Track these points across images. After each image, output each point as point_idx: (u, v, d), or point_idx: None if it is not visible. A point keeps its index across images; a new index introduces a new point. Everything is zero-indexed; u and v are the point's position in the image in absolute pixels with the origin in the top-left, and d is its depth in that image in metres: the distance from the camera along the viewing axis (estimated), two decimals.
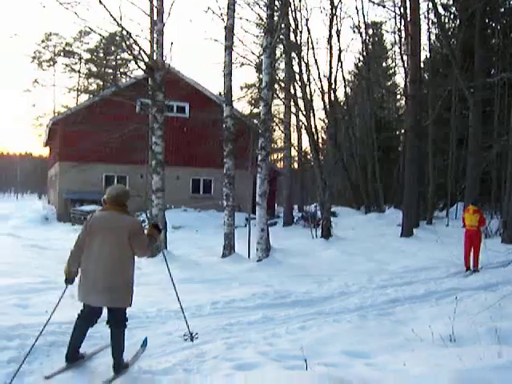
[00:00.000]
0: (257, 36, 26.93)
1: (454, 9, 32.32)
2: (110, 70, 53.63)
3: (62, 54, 50.10)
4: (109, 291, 5.68)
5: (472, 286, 12.23)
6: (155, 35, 15.41)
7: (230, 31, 16.51)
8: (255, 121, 24.28)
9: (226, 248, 15.36)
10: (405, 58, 32.63)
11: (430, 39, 33.05)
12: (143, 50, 15.29)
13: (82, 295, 5.87)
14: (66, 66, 50.28)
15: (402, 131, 36.96)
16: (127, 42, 16.49)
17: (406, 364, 5.87)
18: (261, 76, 17.17)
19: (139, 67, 15.74)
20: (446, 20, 33.15)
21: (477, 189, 25.05)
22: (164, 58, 15.31)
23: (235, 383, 5.51)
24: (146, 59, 15.25)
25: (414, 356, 6.41)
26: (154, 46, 15.57)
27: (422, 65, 29.45)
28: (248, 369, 6.15)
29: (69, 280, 6.02)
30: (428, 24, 31.96)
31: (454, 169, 30.21)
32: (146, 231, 6.11)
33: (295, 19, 24.83)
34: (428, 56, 33.77)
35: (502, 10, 31.17)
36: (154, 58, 15.30)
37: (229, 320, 8.64)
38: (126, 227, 5.73)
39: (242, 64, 22.44)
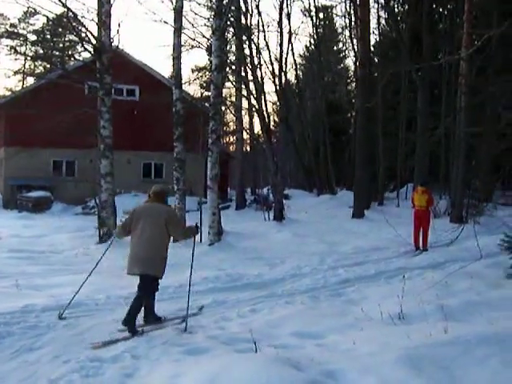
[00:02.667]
0: (208, 19, 26.63)
1: None
2: (58, 53, 52.34)
3: (5, 35, 48.54)
4: (144, 261, 7.11)
5: (421, 264, 12.43)
6: (102, 17, 15.08)
7: (178, 13, 16.30)
8: (206, 104, 24.07)
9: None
10: (355, 41, 32.81)
11: (379, 23, 33.31)
12: (90, 32, 14.99)
13: (128, 268, 7.28)
14: (11, 48, 48.78)
15: (353, 114, 37.20)
16: (73, 24, 16.12)
17: (355, 343, 5.91)
18: (211, 59, 16.97)
19: (86, 50, 15.43)
20: (395, 4, 33.44)
21: (426, 170, 25.45)
22: (111, 40, 15.01)
23: (184, 368, 5.45)
24: (94, 41, 14.93)
25: (364, 335, 6.48)
26: (102, 27, 15.23)
27: (371, 48, 29.63)
28: (198, 353, 6.12)
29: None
30: (377, 8, 32.17)
31: (404, 150, 30.59)
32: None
33: (245, 2, 24.74)
34: (378, 39, 34.04)
35: None
36: (102, 40, 14.97)
37: (180, 305, 8.54)
38: (163, 214, 7.25)
39: (193, 47, 22.27)
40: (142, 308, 7.34)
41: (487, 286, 9.43)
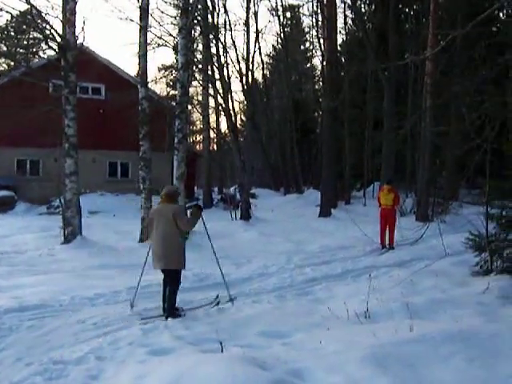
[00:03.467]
0: (174, 17, 26.45)
1: None
2: (22, 50, 51.47)
3: None
4: (162, 257, 7.99)
5: (387, 263, 12.53)
6: (67, 14, 14.84)
7: (144, 11, 16.16)
8: (173, 103, 23.94)
9: (144, 232, 15.09)
10: (322, 40, 32.92)
11: (346, 22, 33.53)
12: (54, 30, 14.75)
13: (153, 264, 8.22)
14: None
15: (320, 113, 37.33)
16: (38, 21, 15.86)
17: (321, 342, 5.91)
18: (178, 57, 16.86)
19: (50, 47, 15.18)
20: (362, 4, 33.65)
21: (392, 169, 25.64)
22: (76, 38, 14.79)
23: (149, 369, 5.39)
24: (58, 39, 14.70)
25: (330, 334, 6.49)
26: (66, 25, 15.00)
27: (338, 47, 29.78)
28: (163, 354, 6.10)
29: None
30: (344, 7, 32.35)
31: (371, 149, 30.79)
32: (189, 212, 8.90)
33: (212, 0, 24.60)
34: (344, 39, 34.21)
35: None
36: (67, 37, 14.75)
37: (145, 305, 8.53)
38: (171, 211, 7.99)
39: (159, 45, 22.06)
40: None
41: (452, 284, 9.54)
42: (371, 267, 11.86)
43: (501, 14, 25.86)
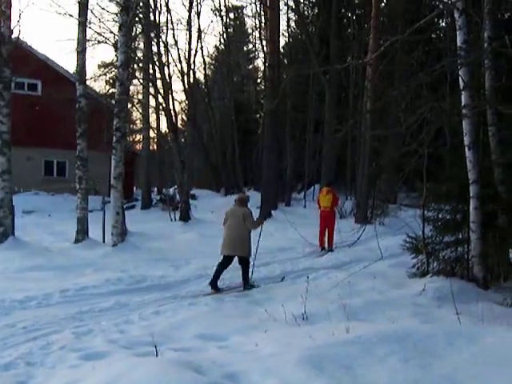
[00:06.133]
0: (116, 14, 26.02)
1: None
2: None
3: None
4: (232, 246, 10.25)
5: (326, 265, 12.61)
6: (2, 7, 14.38)
7: (84, 6, 15.81)
8: (112, 101, 23.53)
9: (80, 233, 14.76)
10: (264, 42, 32.96)
11: (289, 25, 33.64)
12: None
13: (222, 250, 10.39)
14: None
15: (262, 114, 37.39)
16: None
17: (258, 344, 5.86)
18: (118, 55, 16.56)
19: None
20: (305, 7, 33.87)
21: (332, 171, 25.88)
22: (12, 32, 14.35)
23: (80, 375, 5.21)
24: None
25: (267, 336, 6.44)
26: (1, 18, 14.52)
27: (280, 50, 29.88)
28: (96, 358, 5.93)
29: None
30: (287, 10, 32.49)
31: (312, 151, 31.00)
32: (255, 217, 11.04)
33: None
34: (287, 41, 34.36)
35: (357, 1, 32.36)
36: (1, 31, 14.28)
37: (79, 308, 8.34)
38: (241, 214, 10.27)
39: (99, 42, 21.65)
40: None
41: (389, 286, 9.65)
42: (310, 269, 11.93)
43: (443, 23, 26.39)
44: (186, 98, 27.70)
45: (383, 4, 25.33)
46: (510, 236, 9.91)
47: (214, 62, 45.93)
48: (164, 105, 23.07)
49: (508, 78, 10.56)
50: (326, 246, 15.09)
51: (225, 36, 36.63)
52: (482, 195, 9.53)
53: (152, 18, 23.91)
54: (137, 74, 27.85)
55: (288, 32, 33.60)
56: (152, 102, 28.13)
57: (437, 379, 4.68)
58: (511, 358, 4.92)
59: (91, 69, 59.78)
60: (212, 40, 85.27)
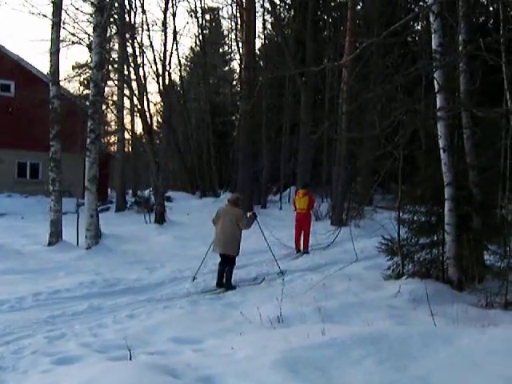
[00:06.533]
0: (90, 14, 25.81)
1: None
2: None
3: None
4: (224, 245, 10.67)
5: (301, 267, 12.60)
6: None
7: (57, 7, 15.64)
8: (87, 102, 23.33)
9: (53, 235, 14.58)
10: (240, 44, 32.93)
11: (265, 27, 33.61)
12: None
13: (214, 248, 10.93)
14: None
15: (238, 116, 37.33)
16: None
17: (233, 347, 5.82)
18: (92, 56, 16.41)
19: None
20: (281, 9, 33.89)
21: (308, 173, 25.90)
22: None
23: (53, 379, 5.13)
24: None
25: (242, 339, 6.42)
26: None
27: (256, 52, 29.88)
28: (69, 363, 5.87)
29: None
30: (263, 12, 32.45)
31: (288, 153, 31.00)
32: (248, 215, 11.48)
33: None
34: (263, 43, 34.35)
35: (333, 4, 32.45)
36: None
37: (52, 312, 8.22)
38: (234, 214, 10.76)
39: (73, 42, 21.42)
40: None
41: (365, 288, 9.67)
42: (288, 271, 11.89)
43: (418, 26, 26.56)
44: (162, 100, 27.51)
45: (359, 7, 25.43)
46: (484, 238, 9.98)
47: (189, 63, 45.80)
48: (139, 106, 22.92)
49: (483, 81, 10.63)
50: (302, 248, 15.08)
51: (200, 37, 36.51)
52: (457, 197, 9.59)
53: (127, 18, 23.77)
54: (111, 75, 27.71)
55: (264, 34, 33.59)
56: (127, 103, 28.00)
57: (412, 381, 4.68)
58: (485, 359, 4.94)
59: (65, 70, 59.24)
60: (188, 41, 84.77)
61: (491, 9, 21.79)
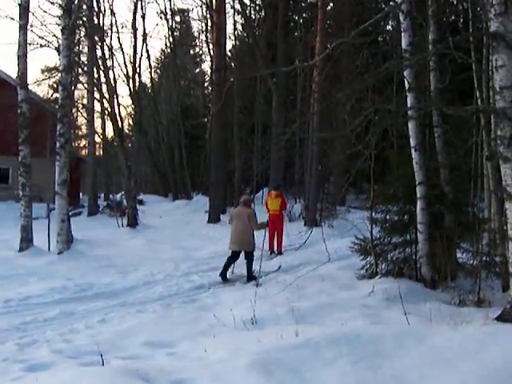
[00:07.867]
0: (58, 17, 25.55)
1: (259, 0, 33.05)
2: None
3: None
4: (239, 243, 11.64)
5: (275, 268, 12.55)
6: None
7: (24, 9, 15.43)
8: (56, 106, 23.10)
9: (24, 241, 14.37)
10: (211, 46, 32.86)
11: (235, 28, 33.62)
12: None
13: (230, 246, 11.79)
14: None
15: (209, 118, 37.25)
16: None
17: (207, 350, 5.81)
18: (61, 59, 16.23)
19: None
20: (251, 11, 33.89)
21: (281, 174, 25.91)
22: None
23: None
24: None
25: (216, 342, 6.39)
26: None
27: (227, 53, 29.84)
28: (41, 369, 5.78)
29: None
30: (234, 13, 32.44)
31: (260, 155, 31.00)
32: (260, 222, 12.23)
33: (98, 1, 24.04)
34: (234, 45, 34.33)
35: (303, 4, 32.55)
36: None
37: (23, 318, 8.08)
38: (246, 214, 11.64)
39: (42, 45, 21.23)
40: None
41: (338, 288, 9.67)
42: (261, 272, 11.86)
43: (388, 25, 26.71)
44: (132, 103, 27.40)
45: (329, 7, 25.53)
46: (456, 236, 10.06)
47: (160, 65, 45.63)
48: (109, 109, 22.75)
49: (453, 80, 10.73)
50: (275, 249, 15.08)
51: (171, 39, 36.43)
52: (429, 196, 9.64)
53: (96, 21, 23.63)
54: (81, 78, 27.52)
55: (235, 35, 33.68)
56: (97, 106, 27.79)
57: (386, 380, 4.68)
58: (459, 357, 4.96)
59: (34, 73, 58.55)
60: (158, 44, 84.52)
61: (460, 8, 22.08)
